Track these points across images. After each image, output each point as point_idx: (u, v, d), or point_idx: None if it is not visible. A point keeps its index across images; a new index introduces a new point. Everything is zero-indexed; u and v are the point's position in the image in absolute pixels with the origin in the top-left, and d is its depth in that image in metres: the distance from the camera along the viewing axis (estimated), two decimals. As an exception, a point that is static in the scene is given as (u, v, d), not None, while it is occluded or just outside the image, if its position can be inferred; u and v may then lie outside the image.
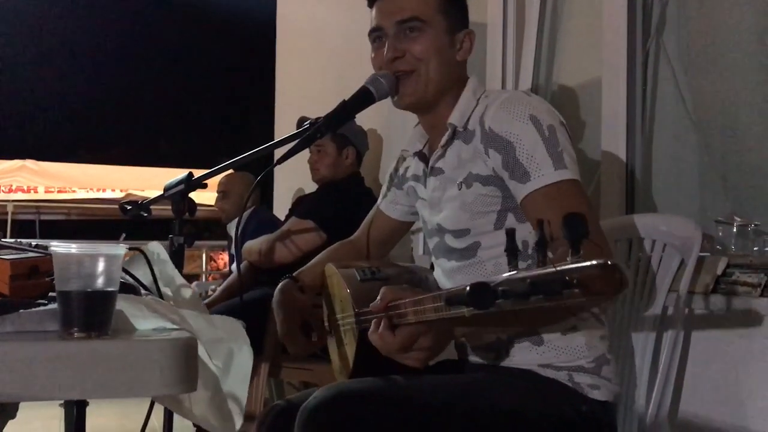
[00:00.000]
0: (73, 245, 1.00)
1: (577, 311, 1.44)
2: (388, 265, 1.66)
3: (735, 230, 1.90)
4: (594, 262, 0.75)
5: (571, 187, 1.38)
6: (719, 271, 1.81)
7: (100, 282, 0.98)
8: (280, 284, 1.75)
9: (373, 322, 1.26)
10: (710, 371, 1.81)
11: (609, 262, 0.75)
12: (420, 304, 1.14)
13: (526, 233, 1.41)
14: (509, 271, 0.86)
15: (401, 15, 1.54)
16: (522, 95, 1.51)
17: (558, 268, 0.78)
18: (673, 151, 2.16)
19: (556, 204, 1.34)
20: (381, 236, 1.90)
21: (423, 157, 1.67)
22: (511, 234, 0.90)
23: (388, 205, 1.86)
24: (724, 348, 1.79)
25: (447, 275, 1.60)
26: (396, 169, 1.83)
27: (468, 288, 0.87)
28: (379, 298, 1.24)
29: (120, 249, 1.01)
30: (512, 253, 0.89)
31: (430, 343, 1.23)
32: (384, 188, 1.88)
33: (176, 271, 1.41)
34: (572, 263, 0.77)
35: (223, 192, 4.17)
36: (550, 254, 0.82)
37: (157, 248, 1.45)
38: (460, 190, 1.52)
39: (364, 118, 2.48)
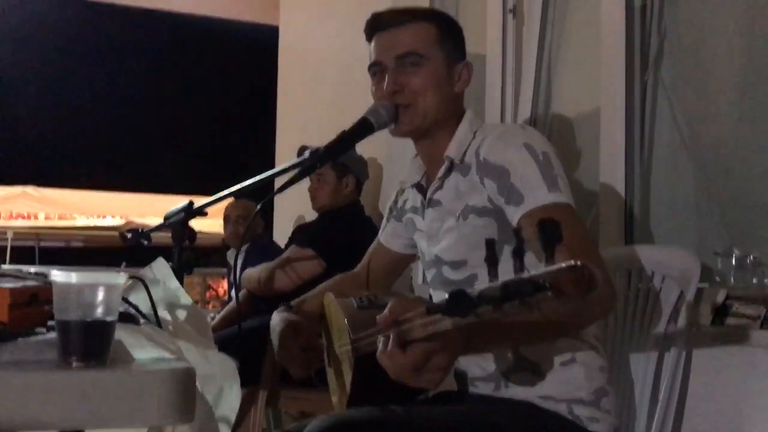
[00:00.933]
0: (73, 274, 1.00)
1: (575, 326, 1.41)
2: (387, 294, 1.65)
3: (734, 262, 1.90)
4: (563, 264, 0.77)
5: (565, 210, 1.38)
6: (718, 303, 1.81)
7: (99, 311, 0.98)
8: (277, 310, 1.76)
9: (381, 341, 1.14)
10: (710, 404, 1.80)
11: (578, 263, 0.76)
12: (408, 322, 1.07)
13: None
14: (490, 281, 0.87)
15: (400, 50, 1.56)
16: (517, 127, 1.54)
17: (531, 273, 0.79)
18: (671, 182, 2.17)
19: None
20: (382, 269, 1.90)
21: (421, 188, 1.68)
22: (490, 244, 0.90)
23: (388, 237, 1.86)
24: (723, 380, 1.78)
25: (445, 307, 1.59)
26: (395, 202, 1.84)
27: (447, 296, 0.87)
28: (387, 310, 1.13)
29: (119, 278, 1.01)
30: (491, 263, 0.89)
31: (446, 362, 1.11)
32: (384, 221, 1.88)
33: (181, 289, 1.40)
34: (545, 267, 0.78)
35: (240, 216, 4.09)
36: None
37: (162, 266, 1.44)
38: (457, 221, 1.52)
39: (364, 147, 2.50)
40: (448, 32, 1.61)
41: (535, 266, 0.84)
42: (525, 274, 0.80)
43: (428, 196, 1.62)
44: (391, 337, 1.10)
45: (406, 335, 1.08)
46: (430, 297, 1.71)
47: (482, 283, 1.47)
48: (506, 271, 0.90)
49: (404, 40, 1.56)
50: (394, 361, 1.10)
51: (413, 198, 1.73)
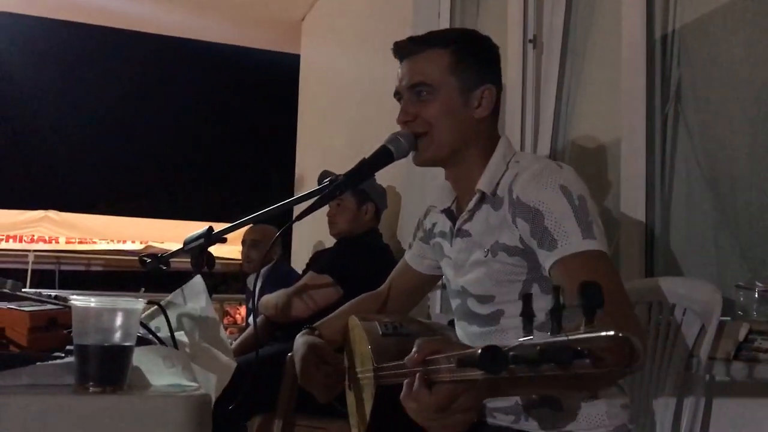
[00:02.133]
0: (92, 299, 1.00)
1: (605, 383, 1.38)
2: (410, 321, 1.64)
3: (756, 296, 1.87)
4: (604, 333, 0.73)
5: (599, 258, 1.35)
6: (741, 337, 1.78)
7: (117, 336, 0.99)
8: (300, 333, 1.75)
9: (405, 382, 1.11)
10: (733, 440, 1.77)
11: (620, 334, 0.72)
12: (436, 363, 1.05)
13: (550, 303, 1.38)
14: (524, 336, 0.84)
15: (411, 80, 1.56)
16: (554, 166, 1.47)
17: (570, 338, 0.76)
18: (692, 214, 2.15)
19: (581, 274, 1.29)
20: (406, 289, 1.88)
21: (450, 215, 1.66)
22: (527, 299, 0.89)
23: (414, 257, 1.85)
24: (746, 417, 1.75)
25: (469, 339, 1.58)
26: (424, 220, 1.82)
27: (479, 351, 0.84)
28: (415, 350, 1.09)
29: (138, 304, 1.02)
30: (527, 318, 0.87)
31: (472, 403, 1.07)
32: (411, 238, 1.87)
33: (211, 307, 1.40)
34: (584, 333, 0.75)
35: (254, 240, 4.13)
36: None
37: (197, 284, 1.44)
38: (486, 257, 1.50)
39: (383, 176, 2.51)
40: (465, 57, 1.57)
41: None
42: (563, 338, 0.76)
43: (457, 225, 1.60)
44: (417, 377, 1.07)
45: (432, 376, 1.06)
46: (450, 323, 1.70)
47: (508, 318, 1.47)
48: (538, 308, 0.89)
49: (417, 70, 1.56)
50: (419, 401, 1.07)
51: (442, 223, 1.71)
